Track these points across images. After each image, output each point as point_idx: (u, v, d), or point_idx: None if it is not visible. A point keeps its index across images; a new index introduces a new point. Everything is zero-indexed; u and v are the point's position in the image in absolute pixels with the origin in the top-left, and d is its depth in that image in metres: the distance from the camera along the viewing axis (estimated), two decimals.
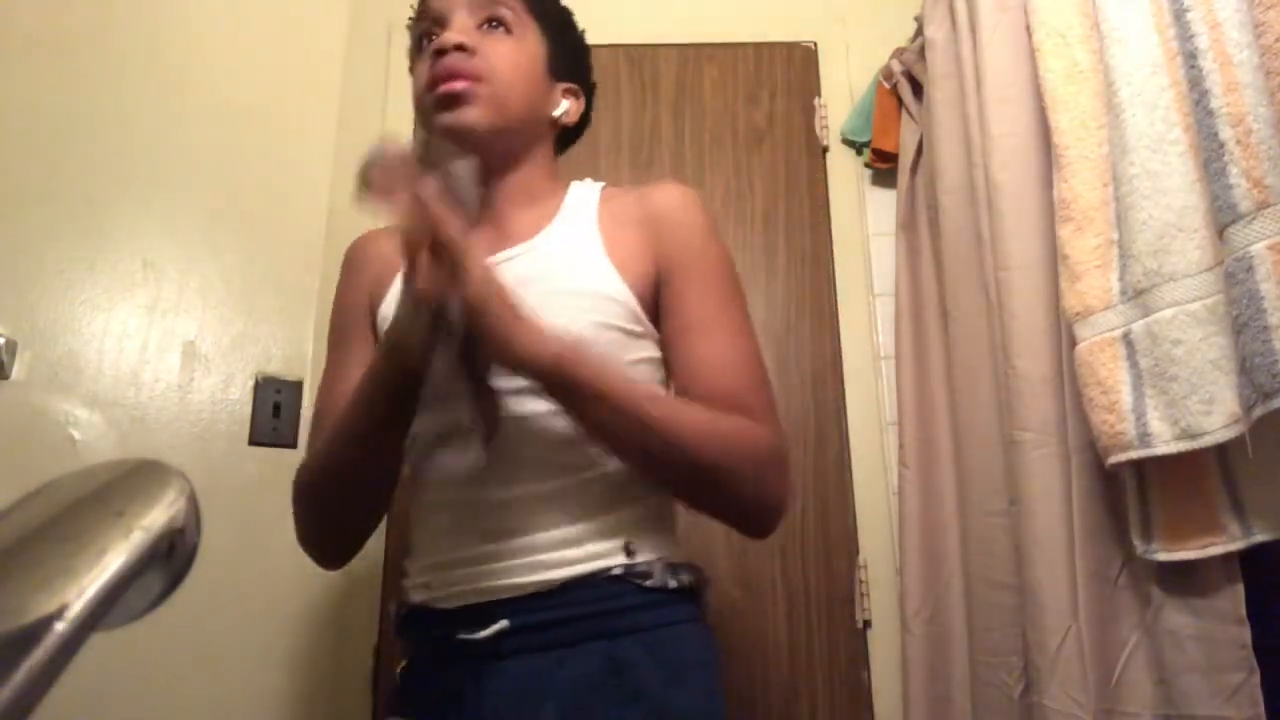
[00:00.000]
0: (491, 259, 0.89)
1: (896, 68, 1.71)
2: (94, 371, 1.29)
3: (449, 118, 0.88)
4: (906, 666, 1.46)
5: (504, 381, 0.82)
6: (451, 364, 0.77)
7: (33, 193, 1.28)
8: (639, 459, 0.81)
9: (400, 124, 1.65)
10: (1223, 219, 0.91)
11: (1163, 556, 1.03)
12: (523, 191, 0.95)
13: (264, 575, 1.38)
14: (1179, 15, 1.01)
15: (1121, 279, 1.06)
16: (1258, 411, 0.88)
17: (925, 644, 1.44)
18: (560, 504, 0.82)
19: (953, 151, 1.46)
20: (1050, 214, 1.18)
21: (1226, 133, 0.92)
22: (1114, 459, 1.04)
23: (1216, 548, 0.99)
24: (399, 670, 0.92)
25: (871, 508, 1.64)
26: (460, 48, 0.89)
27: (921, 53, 1.63)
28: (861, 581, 1.60)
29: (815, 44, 1.92)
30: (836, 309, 1.75)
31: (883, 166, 1.80)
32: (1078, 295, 1.10)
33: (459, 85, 0.88)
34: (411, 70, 0.98)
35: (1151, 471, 1.04)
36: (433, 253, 0.71)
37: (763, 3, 1.97)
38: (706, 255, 0.89)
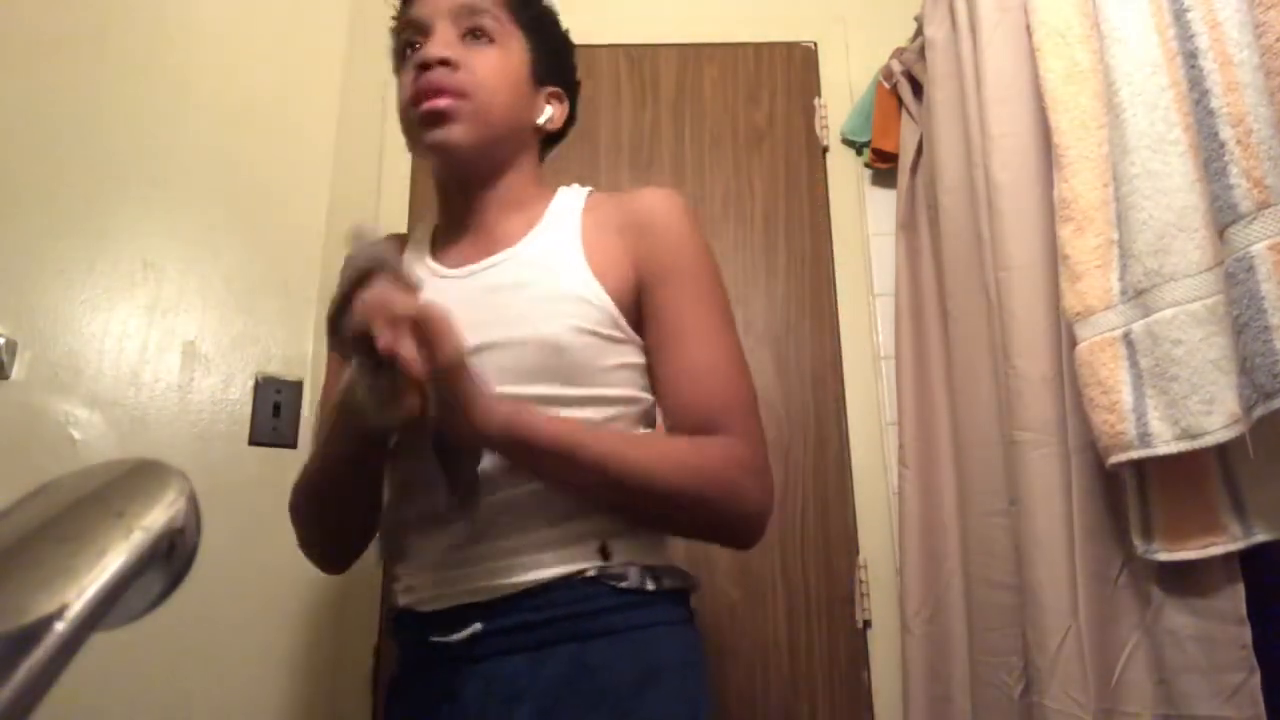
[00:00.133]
0: (474, 266, 0.92)
1: (896, 68, 1.71)
2: (94, 371, 1.29)
3: (434, 136, 0.89)
4: (906, 666, 1.46)
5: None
6: (420, 446, 0.79)
7: (33, 193, 1.28)
8: (608, 502, 0.83)
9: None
10: (1223, 219, 0.91)
11: (1163, 556, 1.03)
12: (507, 199, 0.95)
13: (264, 575, 1.38)
14: (1179, 15, 1.00)
15: (1122, 279, 1.06)
16: (1258, 411, 0.88)
17: (925, 644, 1.44)
18: (536, 507, 0.82)
19: (953, 151, 1.46)
20: (1050, 214, 1.18)
21: (1227, 133, 0.92)
22: (1114, 459, 1.04)
23: (1217, 548, 0.99)
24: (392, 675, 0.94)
25: (871, 508, 1.64)
26: (444, 62, 0.89)
27: (921, 53, 1.63)
28: (861, 581, 1.60)
29: (815, 44, 1.92)
30: (836, 309, 1.75)
31: (883, 166, 1.80)
32: (1078, 295, 1.10)
33: (443, 103, 0.88)
34: (396, 74, 0.98)
35: (1152, 471, 1.04)
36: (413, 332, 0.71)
37: (763, 3, 1.97)
38: (687, 261, 0.89)
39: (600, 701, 0.78)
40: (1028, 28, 1.24)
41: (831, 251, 1.79)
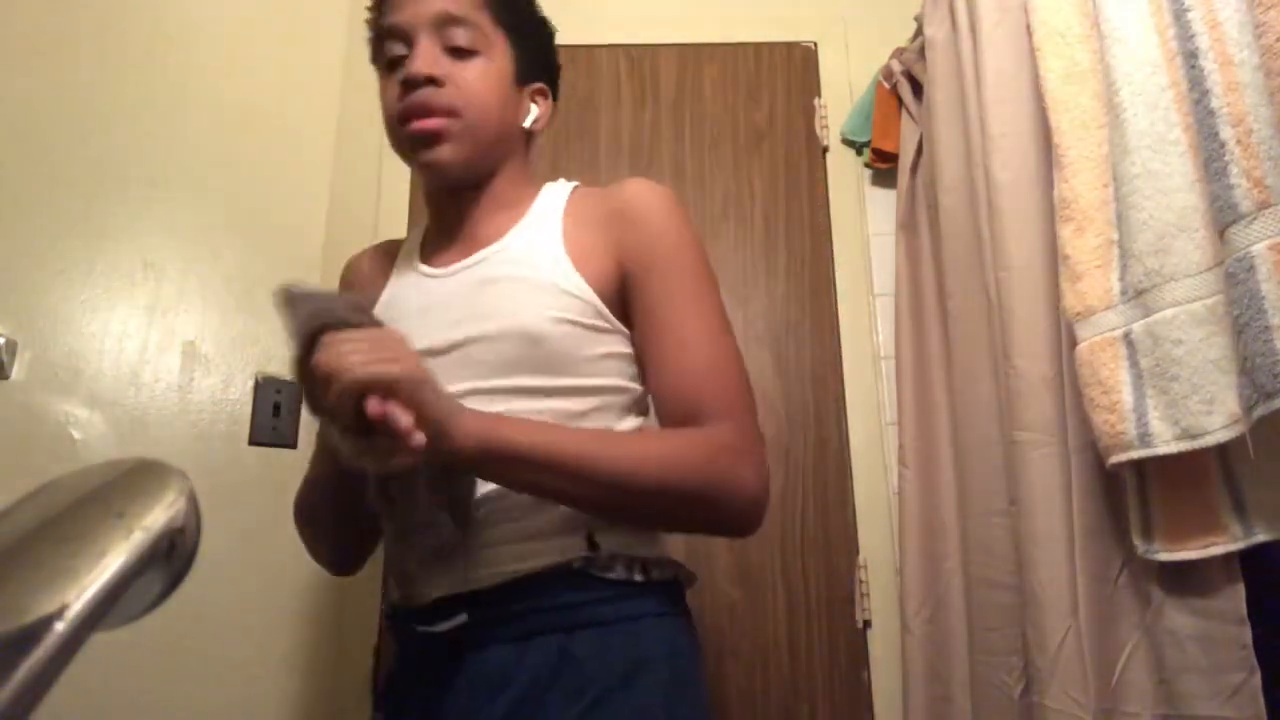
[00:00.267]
0: (458, 265, 0.93)
1: (896, 68, 1.71)
2: (94, 371, 1.29)
3: (424, 157, 0.90)
4: (906, 666, 1.46)
5: (459, 385, 0.84)
6: (413, 484, 0.78)
7: (33, 193, 1.28)
8: (597, 508, 0.81)
9: None
10: (1223, 219, 0.91)
11: (1163, 556, 1.03)
12: (494, 200, 0.96)
13: (264, 575, 1.38)
14: (1179, 15, 1.00)
15: (1122, 279, 1.06)
16: (1258, 411, 0.88)
17: (925, 644, 1.44)
18: (523, 498, 0.82)
19: (953, 151, 1.46)
20: (1050, 214, 1.18)
21: (1227, 133, 0.92)
22: (1114, 459, 1.04)
23: (1217, 548, 0.99)
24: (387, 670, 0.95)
25: (871, 508, 1.64)
26: (431, 80, 0.88)
27: (921, 53, 1.63)
28: (861, 581, 1.60)
29: (815, 44, 1.92)
30: (836, 309, 1.75)
31: (883, 166, 1.80)
32: (1078, 295, 1.10)
33: (432, 124, 0.88)
34: (373, 64, 0.97)
35: (1152, 471, 1.04)
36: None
37: (763, 3, 1.97)
38: (671, 249, 0.88)
39: (582, 692, 0.78)
40: (1028, 28, 1.24)
41: (831, 251, 1.79)
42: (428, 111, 0.88)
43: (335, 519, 0.94)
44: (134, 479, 0.39)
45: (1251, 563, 1.01)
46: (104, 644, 0.35)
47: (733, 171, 1.84)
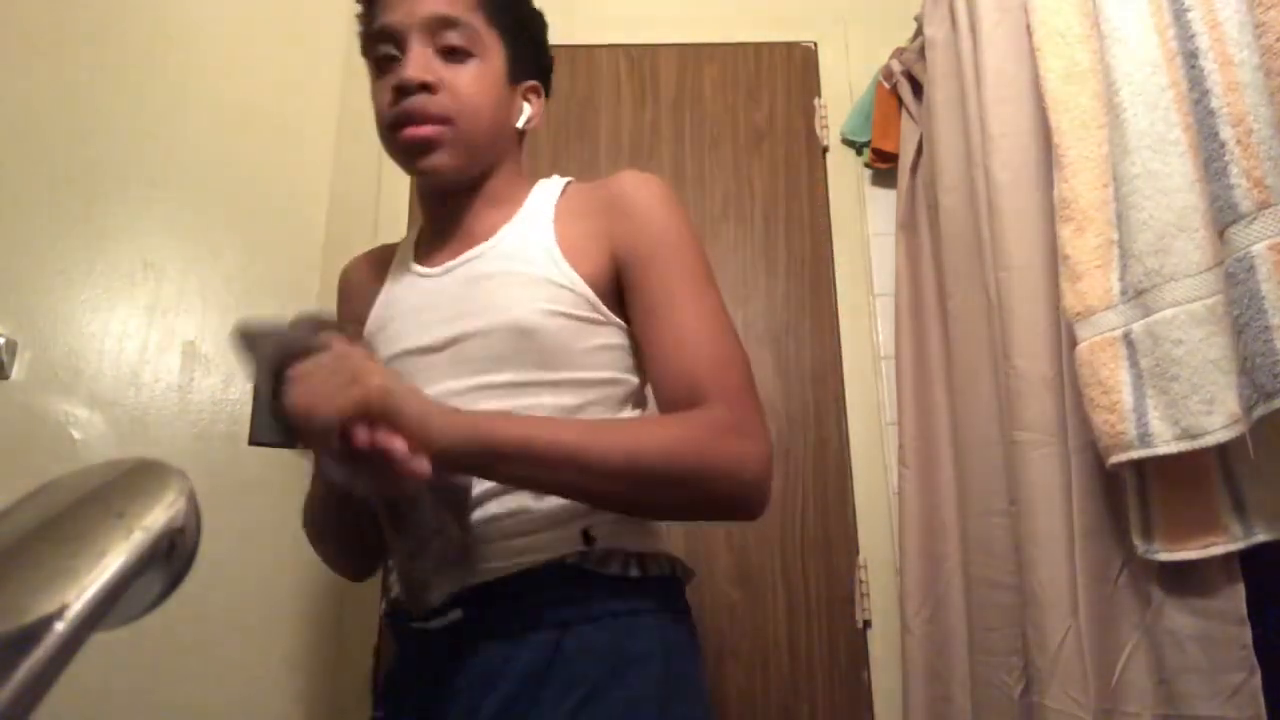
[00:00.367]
0: (451, 263, 0.93)
1: (896, 68, 1.71)
2: (94, 371, 1.29)
3: (419, 164, 0.90)
4: (906, 666, 1.46)
5: (455, 382, 0.84)
6: (419, 502, 0.77)
7: (33, 193, 1.28)
8: (595, 500, 0.80)
9: None
10: (1223, 219, 0.91)
11: (1163, 556, 1.03)
12: (487, 198, 0.96)
13: (264, 575, 1.38)
14: (1179, 15, 1.00)
15: (1122, 279, 1.06)
16: (1258, 411, 0.87)
17: (925, 644, 1.44)
18: (519, 493, 0.82)
19: (953, 151, 1.46)
20: (1050, 214, 1.18)
21: (1227, 133, 0.92)
22: (1114, 459, 1.04)
23: (1217, 548, 0.99)
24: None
25: (871, 508, 1.64)
26: (424, 86, 0.87)
27: (921, 52, 1.63)
28: (861, 581, 1.60)
29: (815, 44, 1.92)
30: (836, 309, 1.75)
31: (883, 166, 1.80)
32: (1078, 295, 1.10)
33: (426, 131, 0.87)
34: (364, 56, 0.96)
35: (1152, 471, 1.04)
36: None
37: (763, 3, 1.97)
38: (663, 237, 0.87)
39: (576, 687, 0.78)
40: (1028, 28, 1.24)
41: (831, 251, 1.79)
42: (421, 119, 0.87)
43: (345, 533, 0.94)
44: (134, 479, 0.39)
45: (1251, 563, 1.01)
46: (104, 644, 0.35)
47: (733, 171, 1.84)
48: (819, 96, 1.88)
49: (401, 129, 0.88)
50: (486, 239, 0.93)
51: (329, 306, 1.10)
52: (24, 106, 1.28)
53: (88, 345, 1.29)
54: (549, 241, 0.89)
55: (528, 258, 0.89)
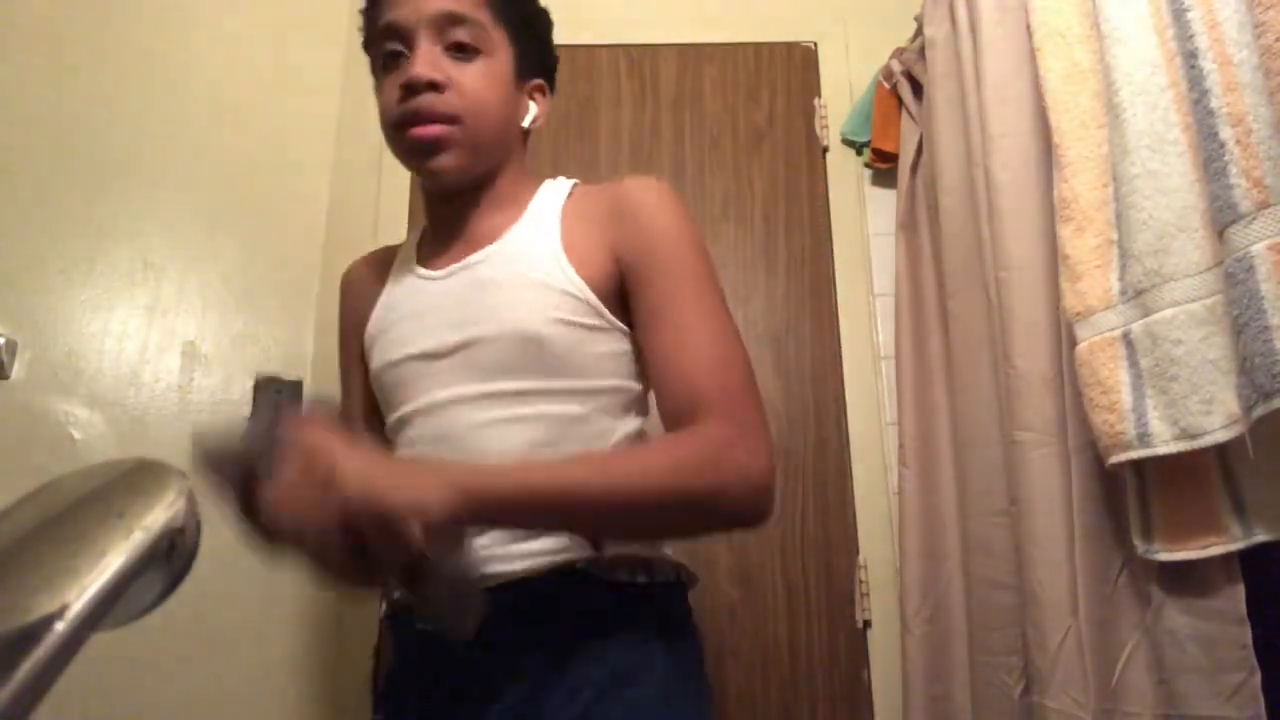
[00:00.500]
0: (455, 266, 0.92)
1: (896, 68, 1.71)
2: (94, 371, 1.29)
3: (426, 165, 0.88)
4: (906, 666, 1.46)
5: (460, 388, 0.84)
6: (436, 561, 0.69)
7: (33, 193, 1.28)
8: (599, 532, 0.79)
9: None
10: (1223, 219, 0.91)
11: (1163, 556, 1.03)
12: (492, 200, 0.94)
13: (264, 575, 1.37)
14: (1178, 15, 1.01)
15: (1121, 279, 1.06)
16: (1258, 411, 0.88)
17: (925, 644, 1.44)
18: None
19: (953, 151, 1.46)
20: (1050, 214, 1.18)
21: (1226, 133, 0.92)
22: (1114, 459, 1.04)
23: (1217, 548, 0.99)
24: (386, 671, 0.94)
25: (871, 508, 1.64)
26: (432, 85, 0.86)
27: (921, 52, 1.63)
28: (861, 581, 1.60)
29: (815, 44, 1.92)
30: (836, 309, 1.75)
31: (883, 166, 1.80)
32: (1078, 295, 1.10)
33: (434, 131, 0.86)
34: (365, 50, 0.95)
35: (1152, 471, 1.04)
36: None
37: (763, 3, 1.97)
38: (670, 244, 0.86)
39: (580, 692, 0.78)
40: (1028, 28, 1.24)
41: (831, 251, 1.79)
42: (429, 118, 0.86)
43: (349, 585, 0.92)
44: (134, 479, 0.39)
45: (1251, 563, 1.01)
46: (104, 644, 0.35)
47: (733, 171, 1.84)
48: (819, 96, 1.88)
49: (408, 128, 0.87)
50: (491, 241, 0.91)
51: (328, 311, 1.10)
52: (23, 105, 1.28)
53: (88, 345, 1.29)
54: (555, 245, 0.88)
55: (534, 262, 0.88)
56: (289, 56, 1.65)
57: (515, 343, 0.84)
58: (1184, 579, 1.04)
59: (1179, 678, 1.03)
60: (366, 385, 0.98)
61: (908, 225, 1.66)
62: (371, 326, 0.96)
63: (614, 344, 0.88)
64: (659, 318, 0.84)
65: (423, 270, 0.96)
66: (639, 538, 0.84)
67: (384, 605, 0.95)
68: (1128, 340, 1.04)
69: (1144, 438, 1.01)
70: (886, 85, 1.73)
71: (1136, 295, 1.03)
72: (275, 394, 0.68)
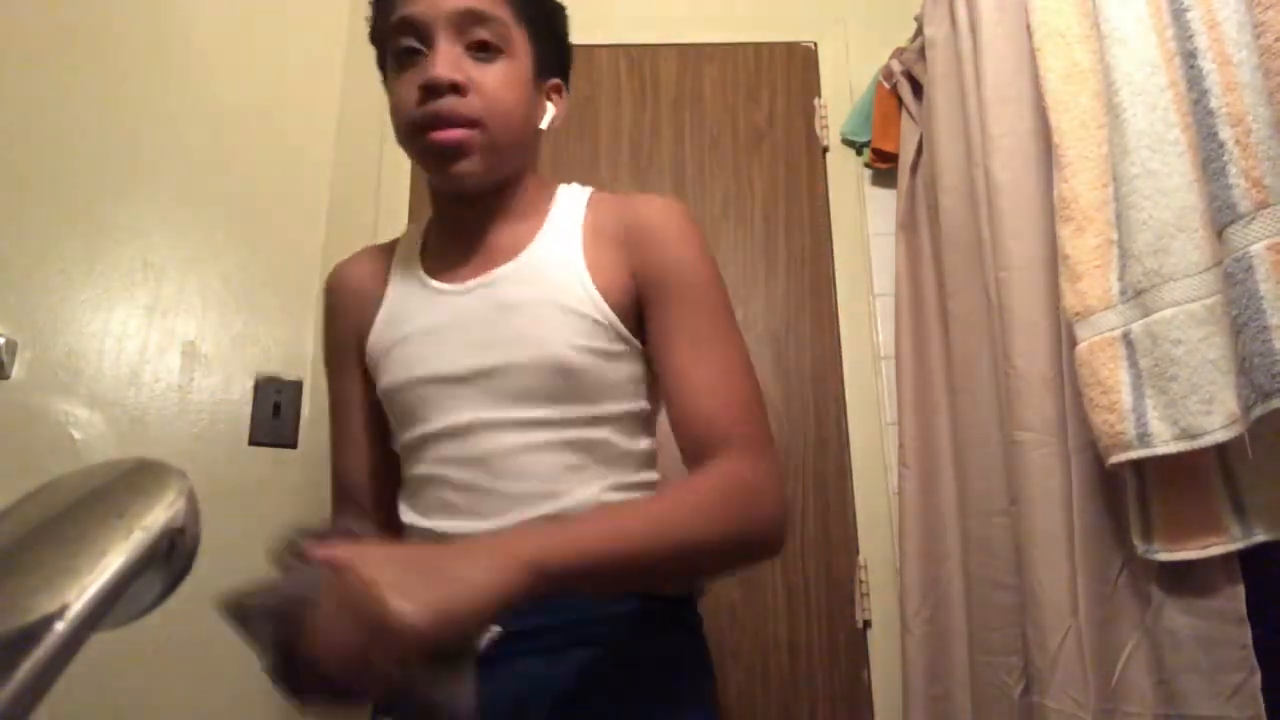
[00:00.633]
0: (475, 281, 0.88)
1: (896, 68, 1.71)
2: (94, 371, 1.29)
3: (447, 171, 0.85)
4: (906, 666, 1.46)
5: (479, 414, 0.83)
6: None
7: (33, 192, 1.28)
8: (632, 585, 0.80)
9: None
10: (1222, 219, 0.91)
11: (1163, 556, 1.03)
12: (510, 207, 0.91)
13: (264, 576, 1.37)
14: (1178, 15, 1.01)
15: (1121, 279, 1.06)
16: (1257, 411, 0.87)
17: (925, 644, 1.44)
18: (549, 505, 0.81)
19: (953, 151, 1.46)
20: (1050, 214, 1.18)
21: (1226, 133, 0.92)
22: (1114, 459, 1.04)
23: (1217, 548, 0.99)
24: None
25: (871, 508, 1.64)
26: (454, 87, 0.82)
27: (921, 53, 1.63)
28: (861, 581, 1.60)
29: (815, 44, 1.92)
30: (836, 309, 1.75)
31: (883, 166, 1.80)
32: (1078, 295, 1.10)
33: (456, 135, 0.82)
34: (386, 81, 0.91)
35: (1151, 471, 1.04)
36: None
37: (763, 3, 1.97)
38: (687, 273, 0.86)
39: (615, 704, 0.79)
40: (1028, 28, 1.24)
41: (831, 251, 1.79)
42: (450, 121, 0.82)
43: None
44: (134, 479, 0.39)
45: (1251, 563, 1.01)
46: (104, 644, 0.35)
47: (733, 171, 1.84)
48: (819, 96, 1.88)
49: (429, 132, 0.83)
50: (512, 255, 0.88)
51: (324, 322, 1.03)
52: (23, 106, 1.28)
53: (88, 345, 1.29)
54: (579, 265, 0.86)
55: (559, 283, 0.85)
56: (289, 56, 1.65)
57: (543, 371, 0.83)
58: (1184, 579, 1.04)
59: (1179, 678, 1.03)
60: (367, 398, 0.95)
61: (908, 225, 1.66)
62: (376, 338, 0.92)
63: (632, 367, 0.87)
64: (678, 350, 0.84)
65: (435, 281, 0.91)
66: (666, 581, 0.85)
67: None
68: (1127, 340, 1.04)
69: (1144, 438, 1.01)
70: (886, 85, 1.73)
71: (1136, 295, 1.03)
72: (295, 542, 0.62)
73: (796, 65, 1.91)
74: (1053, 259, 1.19)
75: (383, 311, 0.93)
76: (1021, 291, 1.24)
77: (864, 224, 1.81)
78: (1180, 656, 1.03)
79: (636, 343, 0.87)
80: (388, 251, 1.00)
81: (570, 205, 0.92)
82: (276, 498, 1.38)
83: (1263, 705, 0.97)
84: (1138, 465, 1.04)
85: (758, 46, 1.92)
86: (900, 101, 1.71)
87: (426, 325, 0.88)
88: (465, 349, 0.85)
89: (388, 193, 1.75)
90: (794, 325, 1.75)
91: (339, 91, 1.72)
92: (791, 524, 1.63)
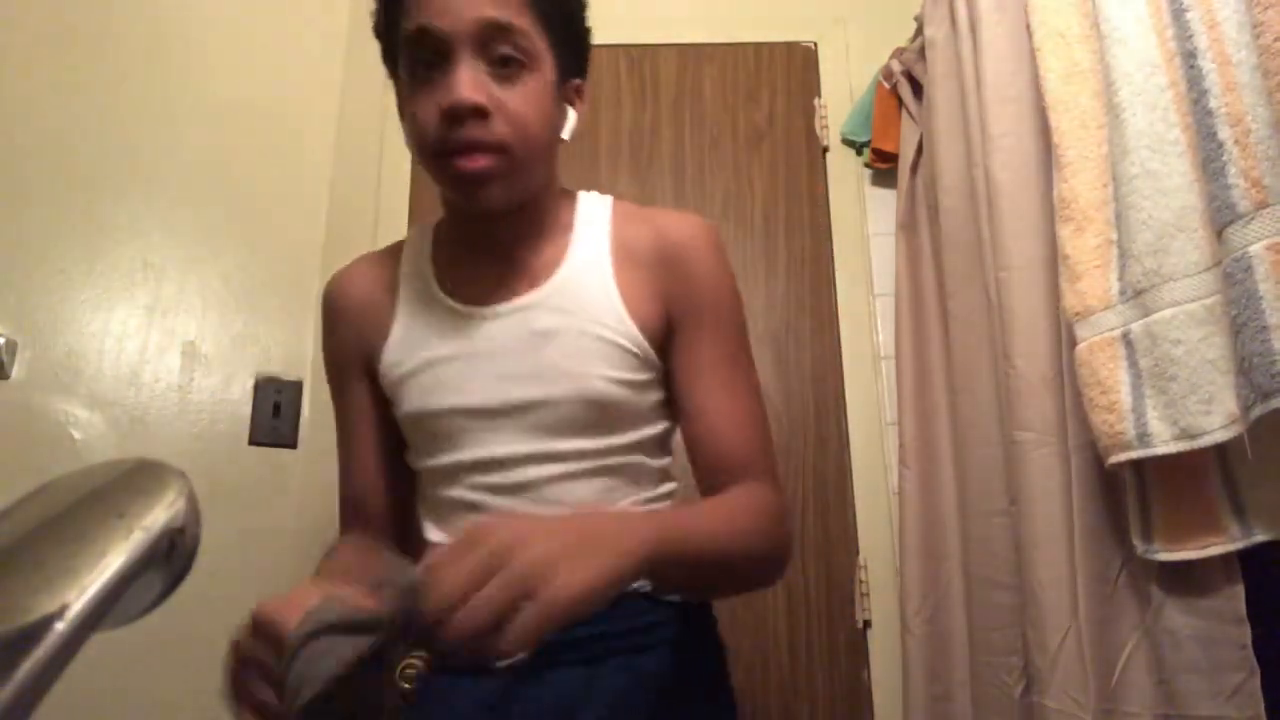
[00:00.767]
0: (502, 307, 0.86)
1: (896, 68, 1.71)
2: (94, 371, 1.29)
3: (473, 200, 0.81)
4: (906, 666, 1.46)
5: (514, 447, 0.84)
6: None
7: (33, 192, 1.28)
8: (707, 586, 0.85)
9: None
10: (1221, 219, 0.91)
11: (1163, 556, 1.03)
12: (534, 224, 0.88)
13: (264, 576, 1.37)
14: (1178, 15, 1.01)
15: (1121, 279, 1.06)
16: (1256, 411, 0.87)
17: (925, 644, 1.44)
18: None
19: (953, 151, 1.46)
20: (1050, 214, 1.18)
21: (1225, 133, 0.92)
22: (1114, 459, 1.04)
23: (1217, 548, 0.99)
24: (412, 673, 0.88)
25: (871, 508, 1.64)
26: (478, 110, 0.76)
27: (921, 53, 1.63)
28: (861, 581, 1.60)
29: (815, 44, 1.92)
30: (836, 309, 1.75)
31: (883, 166, 1.80)
32: (1078, 295, 1.10)
33: (481, 164, 0.78)
34: (395, 83, 0.85)
35: (1151, 471, 1.04)
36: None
37: (763, 3, 1.97)
38: (723, 305, 0.88)
39: (653, 712, 0.80)
40: (1028, 28, 1.24)
41: (831, 251, 1.79)
42: (475, 148, 0.78)
43: None
44: (134, 479, 0.39)
45: (1251, 563, 1.01)
46: (104, 644, 0.35)
47: (733, 171, 1.84)
48: (819, 96, 1.88)
49: (453, 158, 0.78)
50: (543, 278, 0.86)
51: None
52: (24, 106, 1.28)
53: (88, 345, 1.29)
54: (612, 292, 0.85)
55: (593, 312, 0.84)
56: (289, 56, 1.65)
57: (578, 405, 0.82)
58: (1184, 579, 1.04)
59: (1179, 678, 1.03)
60: (375, 413, 0.92)
61: (908, 225, 1.66)
62: (391, 359, 0.88)
63: (658, 393, 0.89)
64: (704, 378, 0.86)
65: (458, 304, 0.87)
66: (709, 592, 0.89)
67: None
68: (1127, 340, 1.04)
69: (1143, 438, 1.01)
70: (886, 85, 1.73)
71: (1136, 295, 1.03)
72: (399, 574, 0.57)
73: (796, 65, 1.91)
74: (1053, 259, 1.19)
75: (397, 330, 0.89)
76: (1021, 291, 1.24)
77: (864, 224, 1.81)
78: (1180, 656, 1.03)
79: (659, 362, 0.88)
80: (391, 259, 0.95)
81: (595, 217, 0.90)
82: (276, 498, 1.38)
83: (1263, 705, 0.97)
84: (1137, 465, 1.04)
85: (758, 46, 1.92)
86: (900, 101, 1.71)
87: (453, 351, 0.85)
88: (498, 381, 0.83)
89: (388, 193, 1.75)
90: (794, 325, 1.75)
91: (339, 91, 1.72)
92: (791, 523, 1.64)
